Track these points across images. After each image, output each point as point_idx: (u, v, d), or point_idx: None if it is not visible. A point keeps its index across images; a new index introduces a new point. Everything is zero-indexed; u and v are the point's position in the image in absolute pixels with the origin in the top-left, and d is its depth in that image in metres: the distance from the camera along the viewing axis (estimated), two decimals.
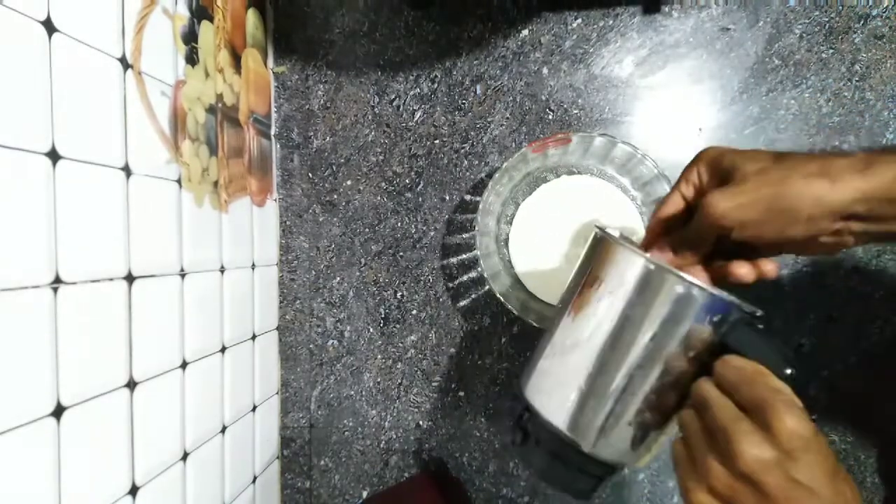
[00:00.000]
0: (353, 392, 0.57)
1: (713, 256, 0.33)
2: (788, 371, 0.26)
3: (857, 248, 0.49)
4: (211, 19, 0.45)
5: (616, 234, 0.37)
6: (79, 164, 0.31)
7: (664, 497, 0.53)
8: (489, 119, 0.53)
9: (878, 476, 0.50)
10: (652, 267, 0.29)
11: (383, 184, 0.55)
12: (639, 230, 0.48)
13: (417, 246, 0.55)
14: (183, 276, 0.41)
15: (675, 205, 0.34)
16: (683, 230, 0.33)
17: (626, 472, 0.54)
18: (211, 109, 0.45)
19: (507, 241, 0.50)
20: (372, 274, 0.56)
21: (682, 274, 0.28)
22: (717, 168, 0.32)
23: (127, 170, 0.35)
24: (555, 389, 0.33)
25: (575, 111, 0.52)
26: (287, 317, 0.58)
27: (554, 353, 0.34)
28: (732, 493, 0.26)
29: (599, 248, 0.33)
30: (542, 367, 0.34)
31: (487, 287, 0.54)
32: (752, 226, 0.29)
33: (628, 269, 0.30)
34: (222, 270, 0.47)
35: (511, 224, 0.50)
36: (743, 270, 0.33)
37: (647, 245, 0.35)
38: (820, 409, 0.50)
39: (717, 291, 0.28)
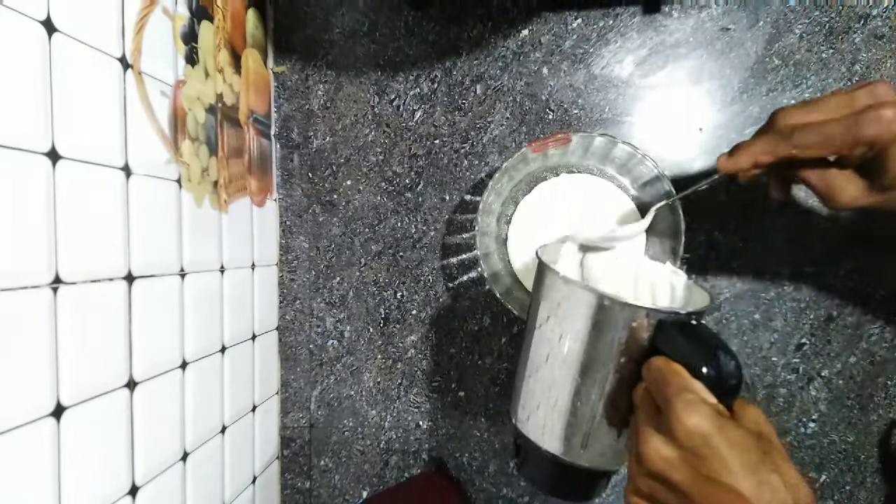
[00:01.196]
0: (353, 392, 0.57)
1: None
2: (705, 369, 0.27)
3: (859, 248, 0.49)
4: (211, 19, 0.45)
5: (573, 240, 0.39)
6: (79, 164, 0.31)
7: None
8: (489, 119, 0.53)
9: (878, 476, 0.50)
10: (570, 287, 0.31)
11: (383, 184, 0.55)
12: (635, 226, 0.48)
13: (417, 246, 0.55)
14: (183, 276, 0.41)
15: (822, 152, 0.32)
16: (793, 174, 0.35)
17: (626, 472, 0.54)
18: (211, 109, 0.45)
19: (506, 240, 0.50)
20: (372, 274, 0.56)
21: (599, 290, 0.30)
22: (883, 157, 0.31)
23: (127, 170, 0.35)
24: (531, 410, 0.35)
25: (575, 111, 0.52)
26: (287, 317, 0.57)
27: (523, 375, 0.36)
28: (653, 492, 0.27)
29: (538, 272, 0.36)
30: (519, 390, 0.37)
31: (487, 287, 0.54)
32: (862, 208, 0.32)
33: (554, 290, 0.33)
34: (222, 270, 0.47)
35: (510, 223, 0.50)
36: (777, 192, 0.37)
37: (755, 152, 0.35)
38: (820, 409, 0.50)
39: (632, 301, 0.29)
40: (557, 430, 0.34)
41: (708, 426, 0.25)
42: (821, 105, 0.32)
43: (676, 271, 0.40)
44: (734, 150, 0.36)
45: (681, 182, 0.50)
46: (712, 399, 0.26)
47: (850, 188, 0.32)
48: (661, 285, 0.40)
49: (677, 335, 0.29)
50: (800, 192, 0.48)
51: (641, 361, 0.30)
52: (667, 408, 0.26)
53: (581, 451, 0.33)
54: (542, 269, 0.35)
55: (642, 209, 0.48)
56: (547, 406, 0.34)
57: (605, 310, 0.30)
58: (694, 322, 0.29)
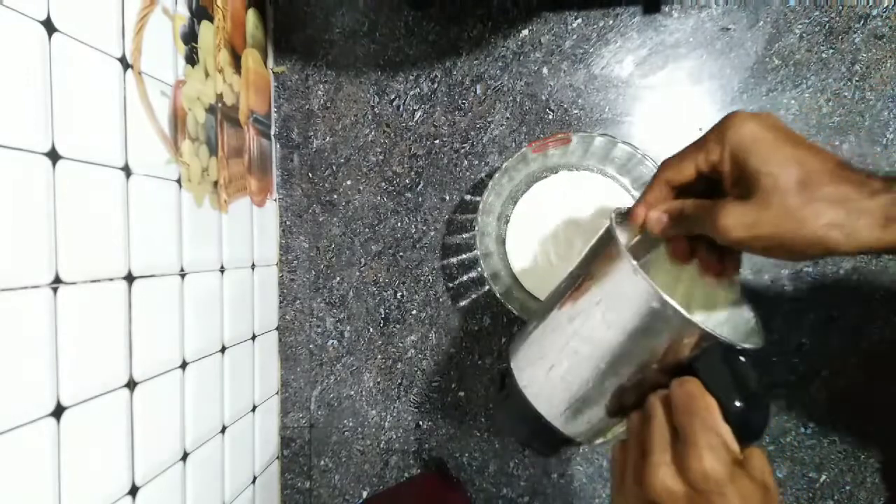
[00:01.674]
0: (353, 392, 0.57)
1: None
2: (738, 404, 0.26)
3: None
4: (211, 19, 0.45)
5: (624, 231, 0.37)
6: (79, 164, 0.31)
7: None
8: (489, 119, 0.53)
9: (878, 476, 0.50)
10: (640, 282, 0.29)
11: (383, 184, 0.55)
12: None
13: (417, 246, 0.55)
14: (183, 276, 0.41)
15: (684, 173, 0.31)
16: (685, 207, 0.31)
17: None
18: (211, 109, 0.45)
19: (505, 240, 0.50)
20: (372, 274, 0.56)
21: (667, 298, 0.28)
22: (741, 165, 0.28)
23: (127, 170, 0.35)
24: (534, 361, 0.35)
25: (575, 111, 0.52)
26: (287, 317, 0.57)
27: (543, 327, 0.35)
28: None
29: (604, 243, 0.34)
30: (529, 336, 0.36)
31: (487, 287, 0.54)
32: (756, 247, 0.28)
33: (619, 274, 0.31)
34: (222, 270, 0.47)
35: (508, 222, 0.50)
36: (709, 264, 0.33)
37: (646, 202, 0.33)
38: (820, 409, 0.50)
39: (698, 323, 0.28)
40: (553, 396, 0.33)
41: (724, 475, 0.24)
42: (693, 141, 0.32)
43: (743, 299, 0.36)
44: (631, 208, 0.34)
45: None
46: (735, 446, 0.26)
47: (729, 213, 0.28)
48: (720, 307, 0.37)
49: (721, 366, 0.28)
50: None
51: (671, 373, 0.29)
52: (688, 440, 0.25)
53: (566, 420, 0.33)
54: (608, 236, 0.32)
55: None
56: (553, 370, 0.33)
57: (662, 315, 0.28)
58: (742, 359, 0.28)
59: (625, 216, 0.35)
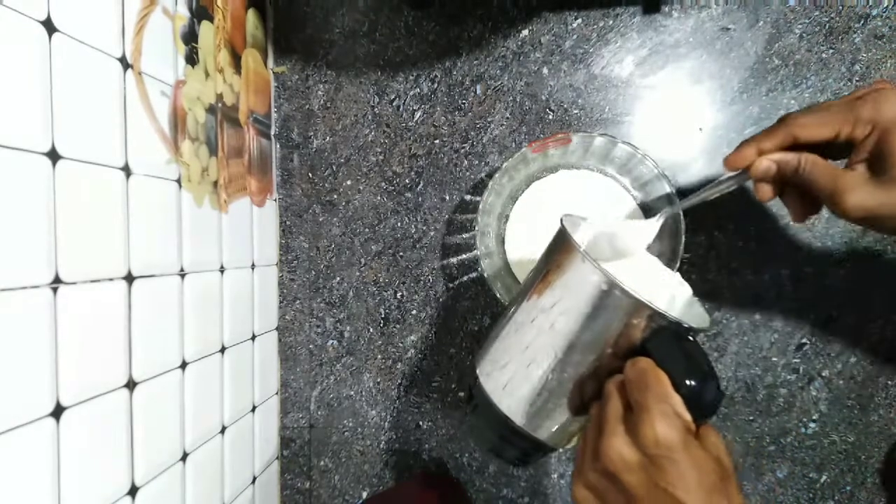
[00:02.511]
0: (352, 392, 0.57)
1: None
2: (689, 382, 0.27)
3: (859, 248, 0.49)
4: (211, 19, 0.45)
5: (588, 226, 0.38)
6: (79, 164, 0.31)
7: None
8: (489, 119, 0.53)
9: (878, 477, 0.50)
10: (585, 263, 0.31)
11: (383, 184, 0.55)
12: (636, 222, 0.48)
13: (417, 246, 0.55)
14: (183, 276, 0.41)
15: (821, 133, 0.31)
16: (805, 165, 0.32)
17: None
18: (211, 109, 0.45)
19: (504, 239, 0.50)
20: (372, 274, 0.56)
21: (615, 279, 0.29)
22: (885, 144, 0.29)
23: (127, 170, 0.35)
24: (496, 365, 0.35)
25: (575, 111, 0.52)
26: (287, 317, 0.57)
27: (502, 332, 0.36)
28: (600, 486, 0.27)
29: (557, 237, 0.35)
30: (492, 342, 0.37)
31: (487, 287, 0.54)
32: (872, 224, 0.30)
33: (568, 261, 0.32)
34: (222, 270, 0.47)
35: (507, 221, 0.50)
36: (796, 211, 0.35)
37: (759, 145, 0.34)
38: (820, 409, 0.50)
39: (645, 300, 0.29)
40: (518, 395, 0.34)
41: (676, 439, 0.25)
42: (825, 103, 0.32)
43: (683, 283, 0.40)
44: (739, 147, 0.35)
45: (681, 182, 0.50)
46: (687, 416, 0.27)
47: (858, 188, 0.30)
48: (662, 292, 0.40)
49: (672, 344, 0.29)
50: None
51: (625, 356, 0.30)
52: (640, 411, 0.26)
53: (533, 421, 0.33)
54: (561, 236, 0.34)
55: (643, 208, 0.48)
56: (515, 369, 0.34)
57: (612, 297, 0.29)
58: (691, 338, 0.29)
59: (574, 221, 0.38)
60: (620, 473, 0.26)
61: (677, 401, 0.27)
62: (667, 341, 0.29)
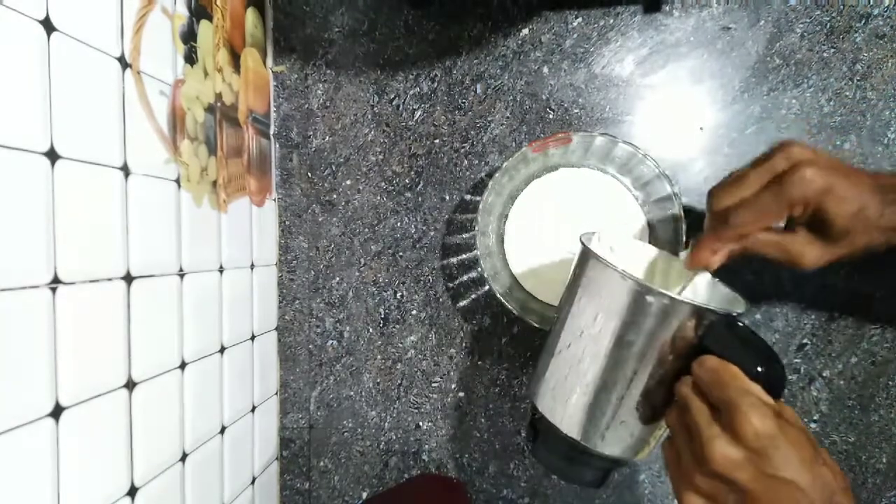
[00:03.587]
0: (352, 393, 0.57)
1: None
2: (760, 369, 0.28)
3: None
4: (210, 18, 0.45)
5: (603, 241, 0.39)
6: (77, 164, 0.31)
7: (664, 497, 0.53)
8: (489, 118, 0.53)
9: (879, 478, 0.50)
10: (628, 283, 0.31)
11: (383, 183, 0.55)
12: (638, 223, 0.48)
13: (417, 246, 0.55)
14: (182, 276, 0.41)
15: (762, 225, 0.35)
16: (758, 244, 0.35)
17: (628, 473, 0.53)
18: (210, 109, 0.44)
19: (503, 239, 0.50)
20: (371, 274, 0.56)
21: (655, 288, 0.30)
22: (818, 214, 0.33)
23: (125, 169, 0.34)
24: (556, 394, 0.35)
25: (575, 110, 0.52)
26: (286, 317, 0.57)
27: (552, 360, 0.36)
28: (713, 491, 0.27)
29: (583, 262, 0.35)
30: (543, 373, 0.37)
31: (487, 287, 0.53)
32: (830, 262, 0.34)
33: (607, 284, 0.33)
34: (221, 270, 0.47)
35: (507, 220, 0.50)
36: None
37: (715, 247, 0.36)
38: (821, 409, 0.50)
39: (688, 300, 0.29)
40: (579, 414, 0.34)
41: (773, 427, 0.26)
42: (744, 180, 0.34)
43: (712, 279, 0.40)
44: (694, 249, 0.37)
45: (682, 182, 0.50)
46: (770, 400, 0.28)
47: (808, 250, 0.34)
48: (685, 284, 0.40)
49: (728, 336, 0.29)
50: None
51: (684, 358, 0.30)
52: (729, 409, 0.27)
53: (600, 438, 0.34)
54: (586, 255, 0.34)
55: (643, 207, 0.48)
56: (572, 389, 0.34)
57: (653, 305, 0.30)
58: (741, 323, 0.30)
59: (590, 236, 0.39)
60: (731, 472, 0.26)
61: (757, 389, 0.27)
62: (722, 333, 0.29)
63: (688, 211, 0.44)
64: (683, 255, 0.39)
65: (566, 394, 0.34)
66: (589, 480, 0.36)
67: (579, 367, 0.34)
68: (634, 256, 0.43)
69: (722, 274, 0.49)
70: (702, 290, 0.39)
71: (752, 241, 0.35)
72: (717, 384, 0.28)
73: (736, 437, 0.26)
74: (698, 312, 0.30)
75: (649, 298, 0.30)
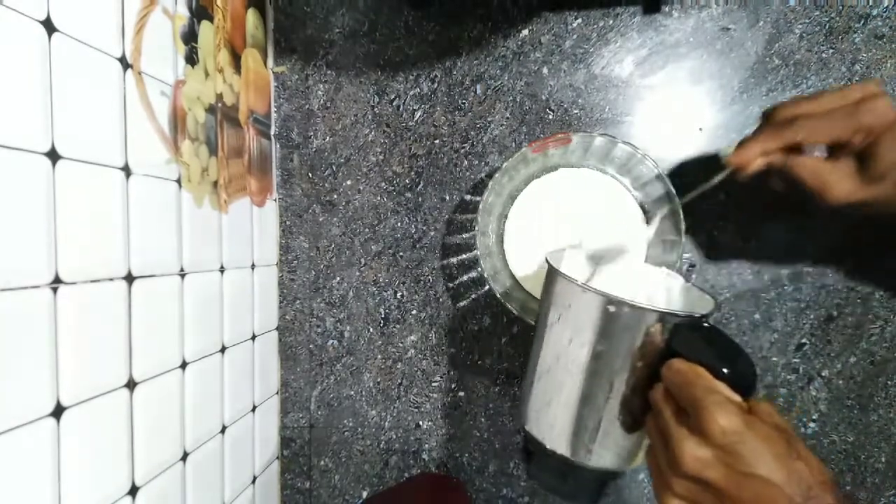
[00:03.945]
0: (353, 392, 0.57)
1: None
2: (725, 369, 0.28)
3: (859, 248, 0.49)
4: (211, 19, 0.45)
5: (583, 251, 0.39)
6: (78, 164, 0.31)
7: None
8: (489, 119, 0.53)
9: (878, 477, 0.50)
10: (590, 295, 0.32)
11: (383, 184, 0.55)
12: (637, 221, 0.48)
13: (417, 246, 0.55)
14: (183, 276, 0.41)
15: (825, 137, 0.34)
16: (797, 166, 0.36)
17: (627, 473, 0.54)
18: (211, 109, 0.45)
19: (503, 238, 0.50)
20: (372, 274, 0.56)
21: (613, 296, 0.30)
22: (875, 144, 0.33)
23: (126, 170, 0.35)
24: (541, 412, 0.36)
25: (575, 111, 0.52)
26: (287, 317, 0.57)
27: (533, 378, 0.37)
28: (690, 493, 0.27)
29: (549, 278, 0.36)
30: (528, 395, 0.37)
31: (487, 287, 0.54)
32: (856, 208, 0.34)
33: (573, 298, 0.33)
34: (222, 270, 0.47)
35: (506, 219, 0.50)
36: (776, 184, 0.38)
37: (765, 149, 0.36)
38: (820, 409, 0.50)
39: (649, 306, 0.30)
40: (566, 432, 0.34)
41: (740, 424, 0.26)
42: (817, 98, 0.35)
43: (672, 274, 0.41)
44: (741, 145, 0.37)
45: (681, 182, 0.50)
46: (737, 398, 0.28)
47: (844, 182, 0.34)
48: (657, 291, 0.40)
49: (694, 337, 0.30)
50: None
51: (655, 364, 0.30)
52: (696, 409, 0.27)
53: (589, 453, 0.34)
54: (551, 273, 0.35)
55: (642, 207, 0.48)
56: (556, 407, 0.35)
57: (620, 315, 0.30)
58: (706, 324, 0.30)
59: (558, 254, 0.40)
60: (702, 472, 0.26)
61: (723, 387, 0.28)
62: (687, 336, 0.30)
63: (687, 211, 0.44)
64: (725, 149, 0.39)
65: (550, 412, 0.35)
66: (586, 496, 0.37)
67: (559, 384, 0.34)
68: (617, 265, 0.44)
69: (722, 273, 0.49)
70: (676, 294, 0.40)
71: (793, 160, 0.35)
72: (683, 385, 0.28)
73: (703, 436, 0.26)
74: (662, 317, 0.30)
75: (611, 308, 0.31)
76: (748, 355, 0.29)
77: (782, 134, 0.35)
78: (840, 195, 0.34)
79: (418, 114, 0.54)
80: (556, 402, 0.35)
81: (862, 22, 0.48)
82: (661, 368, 0.30)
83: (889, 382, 0.49)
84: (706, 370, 0.28)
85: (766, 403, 0.28)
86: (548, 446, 0.35)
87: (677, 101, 0.50)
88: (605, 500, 0.54)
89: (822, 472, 0.26)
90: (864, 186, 0.34)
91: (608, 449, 0.34)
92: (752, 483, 0.25)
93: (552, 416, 0.35)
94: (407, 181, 0.55)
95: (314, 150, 0.56)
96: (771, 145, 0.36)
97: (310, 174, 0.56)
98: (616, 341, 0.31)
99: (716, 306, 0.34)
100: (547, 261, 0.36)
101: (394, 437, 0.57)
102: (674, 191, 0.44)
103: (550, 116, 0.52)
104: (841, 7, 0.48)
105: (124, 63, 0.34)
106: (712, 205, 0.50)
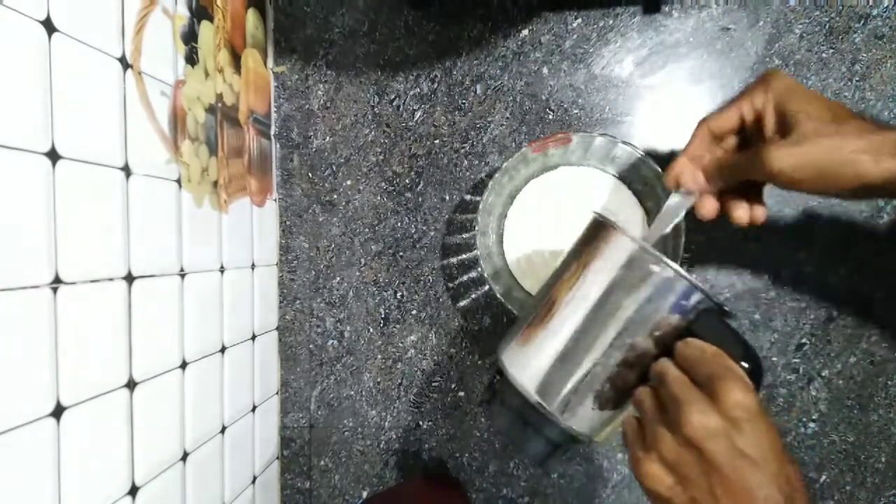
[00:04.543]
0: (353, 392, 0.57)
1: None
2: (745, 365, 0.28)
3: (859, 248, 0.49)
4: (211, 19, 0.45)
5: (612, 219, 0.38)
6: (78, 164, 0.31)
7: None
8: (489, 119, 0.53)
9: (878, 477, 0.50)
10: (640, 250, 0.31)
11: (383, 184, 0.55)
12: (637, 220, 0.48)
13: (417, 246, 0.55)
14: (183, 276, 0.41)
15: (730, 120, 0.35)
16: (725, 160, 0.35)
17: (626, 472, 0.54)
18: (211, 109, 0.45)
19: (502, 238, 0.50)
20: (372, 274, 0.56)
21: (667, 260, 0.30)
22: (782, 109, 0.33)
23: (127, 170, 0.35)
24: (530, 354, 0.34)
25: (575, 111, 0.52)
26: (287, 317, 0.57)
27: (536, 320, 0.35)
28: (679, 459, 0.27)
29: (594, 230, 0.35)
30: (522, 333, 0.35)
31: (487, 287, 0.54)
32: (798, 183, 0.32)
33: (618, 249, 0.32)
34: (222, 270, 0.47)
35: (505, 219, 0.50)
36: (740, 212, 0.36)
37: (688, 154, 0.37)
38: (820, 409, 0.50)
39: (694, 281, 0.30)
40: (543, 371, 0.33)
41: (755, 402, 0.26)
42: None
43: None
44: (670, 166, 0.37)
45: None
46: (752, 385, 0.27)
47: (776, 154, 0.32)
48: None
49: (720, 325, 0.29)
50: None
51: (669, 336, 0.30)
52: (713, 381, 0.27)
53: (561, 403, 0.32)
54: (603, 229, 0.34)
55: (642, 207, 0.48)
56: (549, 353, 0.33)
57: (667, 284, 0.30)
58: (730, 321, 0.30)
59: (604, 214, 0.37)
60: (704, 441, 0.26)
61: (742, 372, 0.27)
62: (715, 323, 0.30)
63: (687, 211, 0.44)
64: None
65: (540, 356, 0.33)
66: (535, 452, 0.34)
67: (561, 331, 0.33)
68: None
69: (722, 273, 0.49)
70: None
71: (724, 163, 0.35)
72: (703, 360, 0.28)
73: (717, 403, 0.26)
74: (696, 295, 0.30)
75: (653, 266, 0.30)
76: (761, 364, 0.29)
77: (694, 133, 0.36)
78: (782, 165, 0.31)
79: (418, 114, 0.54)
80: (546, 336, 0.33)
81: (862, 22, 0.48)
82: (669, 348, 0.30)
83: (889, 382, 0.49)
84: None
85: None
86: (518, 380, 0.33)
87: (677, 101, 0.50)
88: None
89: (804, 486, 0.26)
90: (800, 148, 0.31)
91: (583, 408, 0.32)
92: (744, 465, 0.25)
93: (535, 351, 0.33)
94: (407, 181, 0.55)
95: (314, 150, 0.56)
96: (690, 148, 0.36)
97: (310, 174, 0.56)
98: (640, 299, 0.30)
99: (735, 313, 0.34)
100: (600, 215, 0.35)
101: (394, 437, 0.57)
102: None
103: (550, 116, 0.52)
104: (841, 7, 0.48)
105: (124, 63, 0.34)
106: None
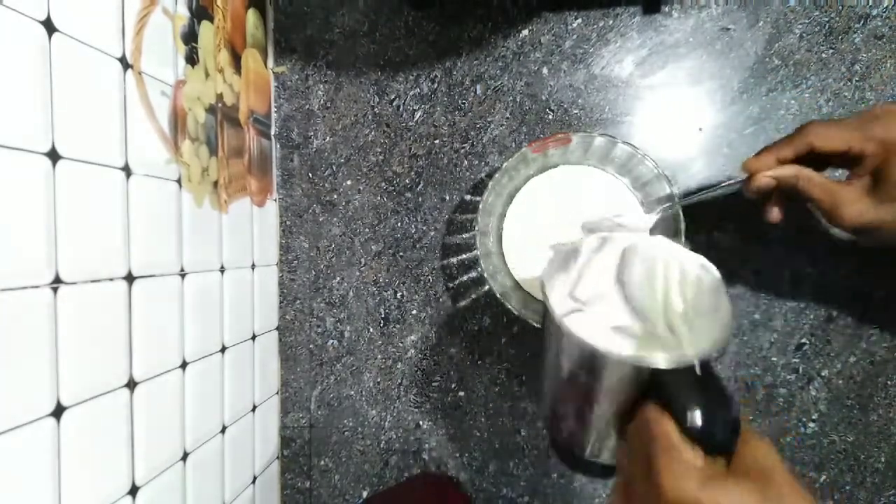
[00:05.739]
0: (353, 392, 0.57)
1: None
2: (694, 424, 0.26)
3: (859, 248, 0.48)
4: (211, 19, 0.45)
5: (587, 240, 0.38)
6: (79, 164, 0.31)
7: None
8: (489, 119, 0.53)
9: (878, 477, 0.50)
10: (565, 331, 0.30)
11: (383, 184, 0.55)
12: (633, 218, 0.47)
13: (417, 246, 0.55)
14: (183, 276, 0.41)
15: (837, 147, 0.34)
16: (805, 181, 0.35)
17: None
18: (211, 109, 0.45)
19: (501, 238, 0.50)
20: (372, 274, 0.56)
21: (602, 347, 0.29)
22: (888, 162, 0.33)
23: (127, 170, 0.35)
24: (552, 412, 0.38)
25: (575, 111, 0.52)
26: (287, 317, 0.57)
27: (544, 388, 0.39)
28: None
29: (544, 296, 0.35)
30: (543, 399, 0.40)
31: (487, 287, 0.54)
32: (865, 234, 0.33)
33: (564, 336, 0.32)
34: (222, 270, 0.47)
35: (504, 218, 0.50)
36: (776, 212, 0.38)
37: (778, 154, 0.37)
38: (820, 409, 0.50)
39: (631, 358, 0.28)
40: (572, 432, 0.36)
41: (689, 492, 0.24)
42: (842, 118, 0.36)
43: (706, 266, 0.34)
44: (760, 153, 0.38)
45: (681, 182, 0.50)
46: (698, 460, 0.25)
47: (854, 202, 0.33)
48: (689, 280, 0.37)
49: (673, 382, 0.27)
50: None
51: (641, 392, 0.29)
52: (652, 465, 0.25)
53: (591, 450, 0.35)
54: (544, 293, 0.34)
55: (643, 206, 0.48)
56: (562, 412, 0.37)
57: (599, 357, 0.29)
58: (700, 370, 0.27)
59: (557, 256, 0.39)
60: None
61: (685, 448, 0.25)
62: (668, 379, 0.27)
63: (687, 212, 0.44)
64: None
65: (556, 412, 0.37)
66: (595, 470, 0.41)
67: (560, 394, 0.36)
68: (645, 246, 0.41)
69: (722, 273, 0.49)
70: (705, 297, 0.34)
71: (805, 177, 0.35)
72: (645, 437, 0.27)
73: (657, 495, 0.24)
74: (639, 366, 0.28)
75: (593, 352, 0.29)
76: (733, 406, 0.26)
77: (795, 139, 0.35)
78: (851, 214, 0.33)
79: (418, 114, 0.54)
80: (555, 405, 0.37)
81: (862, 22, 0.48)
82: (647, 390, 0.29)
83: (889, 382, 0.49)
84: (676, 419, 0.26)
85: (756, 442, 0.26)
86: (555, 436, 0.39)
87: (677, 101, 0.50)
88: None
89: None
90: (876, 207, 0.33)
91: (609, 451, 0.35)
92: None
93: (560, 415, 0.37)
94: (407, 181, 0.55)
95: (314, 150, 0.56)
96: (784, 151, 0.36)
97: (310, 174, 0.56)
98: (603, 372, 0.30)
99: (725, 342, 0.29)
100: (542, 284, 0.35)
101: (394, 437, 0.57)
102: (674, 191, 0.44)
103: (550, 116, 0.52)
104: (841, 7, 0.48)
105: (124, 63, 0.34)
106: (712, 205, 0.50)
